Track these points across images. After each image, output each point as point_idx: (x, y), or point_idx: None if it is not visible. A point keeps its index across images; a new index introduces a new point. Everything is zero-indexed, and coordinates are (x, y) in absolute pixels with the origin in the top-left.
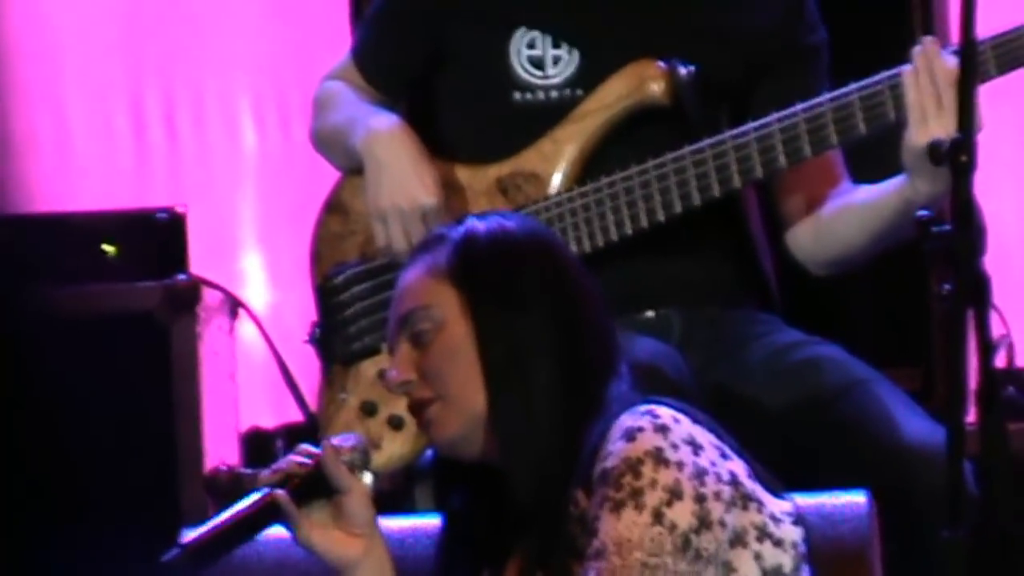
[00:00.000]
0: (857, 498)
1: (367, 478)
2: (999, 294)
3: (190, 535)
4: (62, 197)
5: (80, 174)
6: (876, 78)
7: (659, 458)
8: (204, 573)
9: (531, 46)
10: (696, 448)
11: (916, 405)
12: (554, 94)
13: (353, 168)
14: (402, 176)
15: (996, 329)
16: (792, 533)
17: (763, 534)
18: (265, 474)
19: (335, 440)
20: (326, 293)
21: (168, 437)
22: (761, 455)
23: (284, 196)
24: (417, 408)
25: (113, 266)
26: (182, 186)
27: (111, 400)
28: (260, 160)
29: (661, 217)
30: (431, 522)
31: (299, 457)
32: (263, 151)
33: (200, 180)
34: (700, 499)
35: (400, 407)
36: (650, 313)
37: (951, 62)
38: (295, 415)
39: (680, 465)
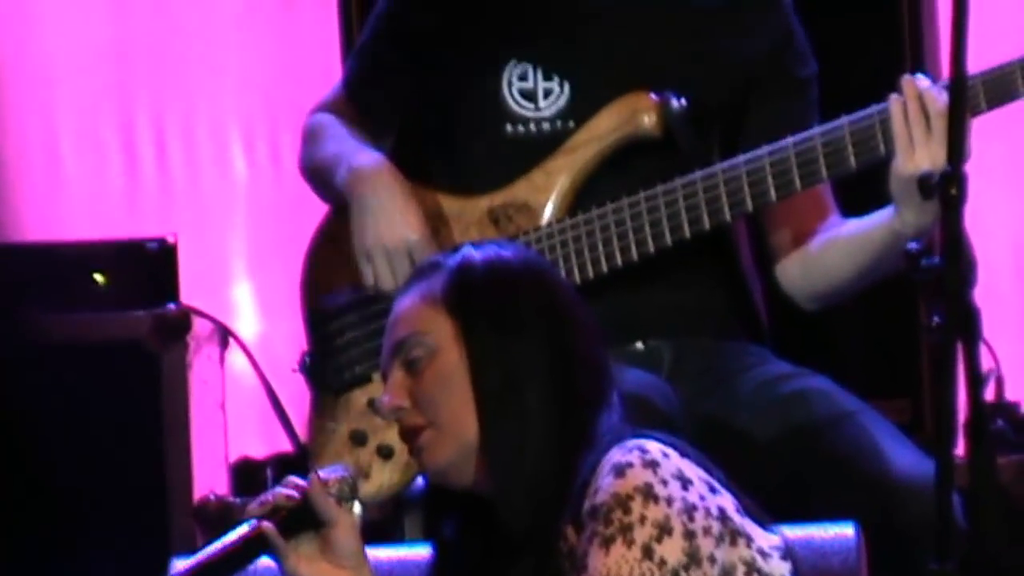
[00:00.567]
0: (846, 530)
1: (356, 508)
2: (988, 327)
3: (179, 567)
4: (52, 225)
5: (70, 203)
6: (866, 112)
7: (648, 494)
8: None
9: (523, 78)
10: (685, 483)
11: (905, 437)
12: (546, 126)
13: (339, 204)
14: (386, 214)
15: (985, 362)
16: (781, 568)
17: (752, 569)
18: (253, 506)
19: (322, 472)
20: (317, 322)
21: (157, 466)
22: (750, 487)
23: (274, 226)
24: (409, 435)
25: (103, 295)
26: (173, 215)
27: (100, 429)
28: (250, 190)
29: (651, 249)
30: (420, 552)
31: (286, 489)
32: (253, 181)
33: (191, 209)
34: (690, 536)
35: (390, 436)
36: (639, 345)
37: (941, 95)
38: (285, 445)
39: (670, 501)
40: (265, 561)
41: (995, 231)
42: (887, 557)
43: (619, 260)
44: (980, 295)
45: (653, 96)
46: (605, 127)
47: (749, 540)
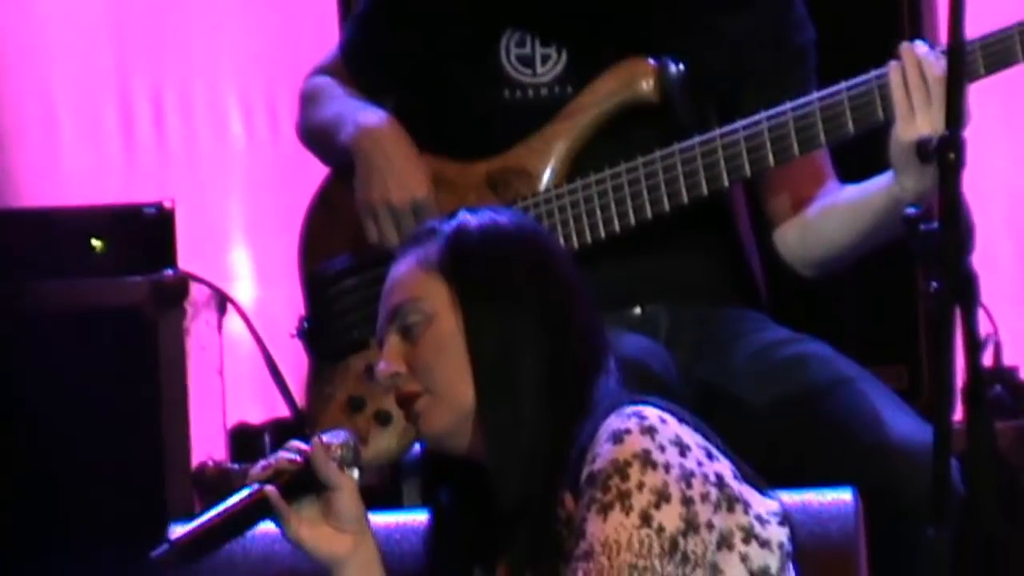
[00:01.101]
0: (843, 496)
1: (355, 474)
2: (986, 292)
3: (178, 531)
4: (50, 192)
5: (68, 169)
6: (865, 77)
7: (646, 460)
8: (192, 569)
9: (520, 44)
10: (683, 449)
11: (903, 403)
12: (544, 92)
13: (341, 164)
14: (392, 171)
15: (983, 327)
16: (778, 533)
17: (749, 535)
18: (255, 470)
19: (324, 436)
20: (315, 287)
21: (155, 432)
22: (747, 453)
23: (272, 191)
24: (405, 401)
25: (100, 261)
26: (170, 181)
27: (98, 395)
28: (248, 155)
29: (649, 215)
30: (419, 518)
31: (289, 453)
32: (251, 147)
33: (188, 175)
34: (688, 502)
35: (387, 402)
36: (637, 310)
37: (939, 61)
38: (282, 410)
39: (667, 467)
40: (261, 526)
41: (993, 196)
42: (885, 523)
43: (617, 226)
44: (978, 260)
45: (651, 61)
46: (603, 92)
47: (747, 506)
